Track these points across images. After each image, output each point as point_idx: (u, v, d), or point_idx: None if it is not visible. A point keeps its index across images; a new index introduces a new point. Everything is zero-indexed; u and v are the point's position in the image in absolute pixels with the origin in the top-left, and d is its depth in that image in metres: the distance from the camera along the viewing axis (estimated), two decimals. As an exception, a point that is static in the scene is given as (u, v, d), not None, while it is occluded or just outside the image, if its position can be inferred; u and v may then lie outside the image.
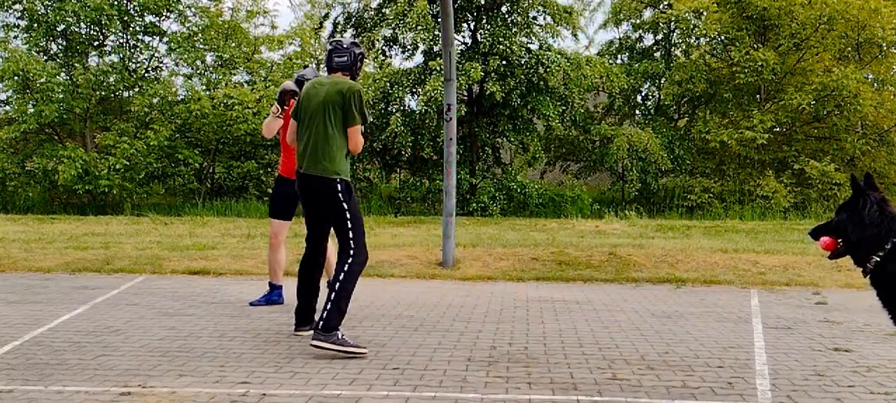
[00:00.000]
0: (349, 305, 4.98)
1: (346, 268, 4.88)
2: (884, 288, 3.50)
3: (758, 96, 19.70)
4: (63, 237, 11.20)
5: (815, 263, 8.79)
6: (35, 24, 18.65)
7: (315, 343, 4.76)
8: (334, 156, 4.97)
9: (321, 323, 4.78)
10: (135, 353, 4.88)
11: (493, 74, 17.30)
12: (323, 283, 5.58)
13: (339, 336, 4.79)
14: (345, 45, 5.18)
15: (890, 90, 20.03)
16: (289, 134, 5.39)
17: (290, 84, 6.15)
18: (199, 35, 19.65)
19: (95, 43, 19.31)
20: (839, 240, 3.53)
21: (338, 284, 4.83)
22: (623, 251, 9.35)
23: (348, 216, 4.97)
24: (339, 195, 4.97)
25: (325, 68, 5.25)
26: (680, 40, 21.81)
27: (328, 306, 4.79)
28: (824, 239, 3.62)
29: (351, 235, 4.95)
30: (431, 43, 17.31)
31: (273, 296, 6.65)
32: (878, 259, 3.39)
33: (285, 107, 6.15)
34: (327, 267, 6.18)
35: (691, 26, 20.08)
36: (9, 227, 12.65)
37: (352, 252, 4.93)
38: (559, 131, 18.64)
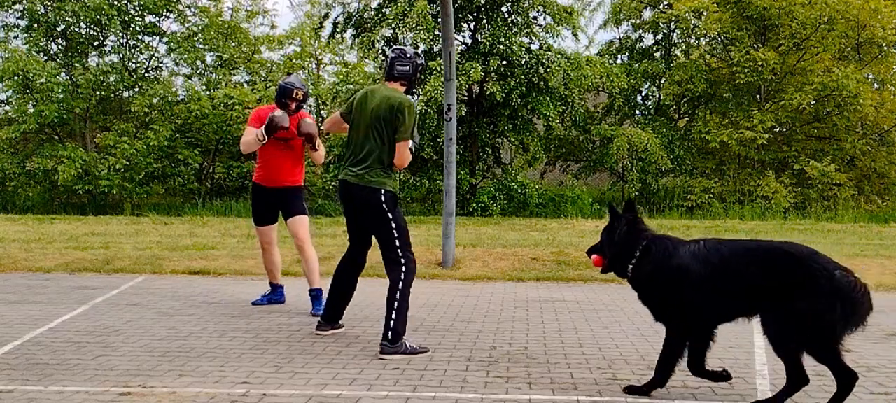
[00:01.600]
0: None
1: (402, 279, 4.90)
2: (641, 288, 4.11)
3: (758, 96, 19.70)
4: (63, 237, 11.20)
5: (815, 263, 8.78)
6: (35, 24, 18.66)
7: (385, 356, 4.81)
8: (378, 168, 4.96)
9: (390, 334, 4.82)
10: (135, 353, 4.88)
11: (493, 74, 17.29)
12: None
13: (407, 346, 4.89)
14: (408, 55, 5.16)
15: (890, 90, 20.04)
16: (329, 125, 5.48)
17: (283, 118, 5.96)
18: (199, 35, 19.66)
19: (95, 43, 19.32)
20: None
21: (398, 294, 4.86)
22: (623, 251, 9.33)
23: (393, 226, 4.97)
24: (384, 205, 4.96)
25: (385, 76, 5.20)
26: (680, 40, 21.81)
27: (394, 318, 4.83)
28: (595, 256, 4.30)
29: (398, 245, 4.96)
30: (431, 43, 17.30)
31: (276, 296, 6.64)
32: (632, 265, 4.05)
33: (270, 136, 6.01)
34: (305, 269, 6.27)
35: (691, 26, 20.08)
36: (9, 227, 12.65)
37: (403, 263, 4.94)
38: (559, 131, 18.61)
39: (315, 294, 6.29)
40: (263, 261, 6.60)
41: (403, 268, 4.92)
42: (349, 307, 6.43)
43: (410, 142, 4.99)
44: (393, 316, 4.82)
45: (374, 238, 5.19)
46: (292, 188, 6.30)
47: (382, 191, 4.95)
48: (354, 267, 5.33)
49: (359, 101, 5.09)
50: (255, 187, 6.41)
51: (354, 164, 5.01)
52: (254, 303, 6.62)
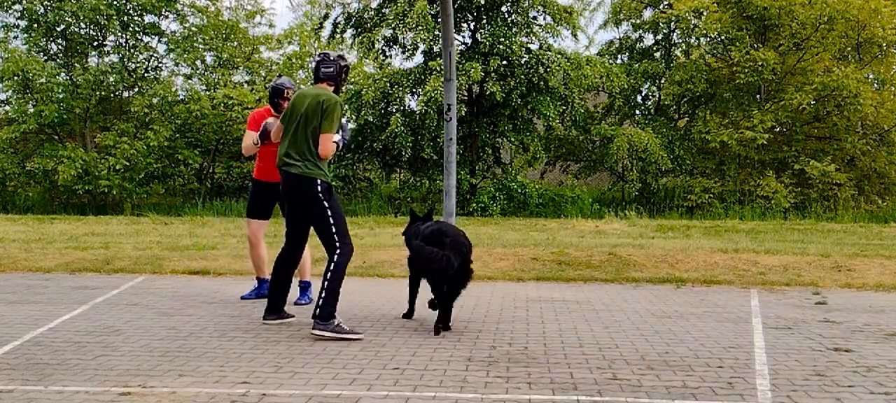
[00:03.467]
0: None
1: (334, 261, 5.34)
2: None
3: (758, 96, 19.69)
4: (63, 237, 11.20)
5: (815, 263, 8.79)
6: (35, 24, 18.65)
7: (315, 332, 5.25)
8: (314, 159, 5.41)
9: (318, 312, 5.24)
10: (135, 353, 4.88)
11: (493, 74, 17.30)
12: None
13: (336, 324, 5.26)
14: (331, 58, 5.64)
15: (890, 90, 20.02)
16: (275, 134, 5.86)
17: (272, 125, 6.30)
18: (199, 35, 19.65)
19: (95, 43, 19.32)
20: None
21: (329, 275, 5.29)
22: (623, 251, 9.35)
23: (329, 213, 5.40)
24: (320, 195, 5.39)
25: (313, 79, 5.69)
26: (680, 40, 21.79)
27: (323, 297, 5.25)
28: None
29: (334, 231, 5.39)
30: (431, 43, 17.30)
31: (262, 290, 6.84)
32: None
33: (265, 142, 6.38)
34: (301, 267, 6.52)
35: (691, 26, 20.06)
36: (9, 227, 12.64)
37: (337, 246, 5.37)
38: (559, 131, 18.61)
39: (304, 285, 6.73)
40: (251, 256, 6.89)
41: (337, 253, 5.34)
42: (348, 308, 6.46)
43: (336, 135, 5.44)
44: (323, 295, 5.24)
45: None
46: None
47: (318, 181, 5.39)
48: (292, 260, 5.71)
49: (293, 103, 5.54)
50: (255, 183, 6.80)
51: (293, 158, 5.42)
52: (243, 298, 6.87)
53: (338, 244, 5.36)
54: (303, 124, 5.40)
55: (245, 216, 6.93)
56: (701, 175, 19.32)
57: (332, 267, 5.30)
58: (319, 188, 5.38)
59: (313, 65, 5.67)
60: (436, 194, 17.77)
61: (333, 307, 5.27)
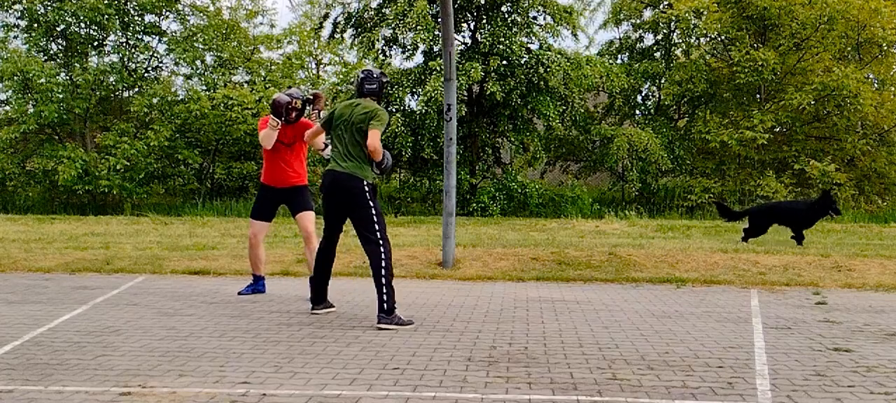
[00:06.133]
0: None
1: (382, 259, 5.71)
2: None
3: (758, 96, 19.69)
4: (63, 237, 11.20)
5: (815, 263, 8.79)
6: (35, 24, 18.65)
7: (382, 325, 5.67)
8: (362, 163, 5.87)
9: (384, 306, 5.67)
10: (135, 353, 4.88)
11: (493, 74, 17.29)
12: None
13: (398, 318, 5.71)
14: (375, 75, 6.07)
15: (890, 90, 20.02)
16: (308, 134, 6.42)
17: (281, 96, 6.73)
18: (199, 35, 19.65)
19: (95, 43, 19.32)
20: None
21: (383, 275, 5.67)
22: (623, 251, 9.35)
23: (374, 212, 5.80)
24: (367, 195, 5.81)
25: (357, 94, 6.09)
26: (680, 40, 21.79)
27: (384, 293, 5.67)
28: None
29: (376, 228, 5.78)
30: (431, 43, 17.30)
31: (258, 286, 7.18)
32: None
33: (282, 120, 6.65)
34: (308, 259, 6.78)
35: (691, 26, 20.06)
36: (9, 227, 12.65)
37: (381, 244, 5.73)
38: (559, 131, 18.61)
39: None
40: (250, 256, 7.19)
41: (382, 251, 5.70)
42: (349, 308, 6.48)
43: (378, 132, 5.80)
44: (384, 292, 5.66)
45: (344, 226, 6.10)
46: (298, 187, 6.98)
47: (365, 181, 5.83)
48: (331, 254, 6.16)
49: (340, 112, 6.00)
50: (262, 187, 7.04)
51: (342, 161, 5.89)
52: (240, 293, 7.11)
53: (381, 242, 5.71)
54: (353, 132, 5.84)
55: (249, 217, 7.20)
56: (701, 175, 19.32)
57: (383, 267, 5.66)
58: (365, 186, 5.79)
59: (357, 80, 6.08)
60: (436, 194, 17.77)
61: (394, 300, 5.69)
